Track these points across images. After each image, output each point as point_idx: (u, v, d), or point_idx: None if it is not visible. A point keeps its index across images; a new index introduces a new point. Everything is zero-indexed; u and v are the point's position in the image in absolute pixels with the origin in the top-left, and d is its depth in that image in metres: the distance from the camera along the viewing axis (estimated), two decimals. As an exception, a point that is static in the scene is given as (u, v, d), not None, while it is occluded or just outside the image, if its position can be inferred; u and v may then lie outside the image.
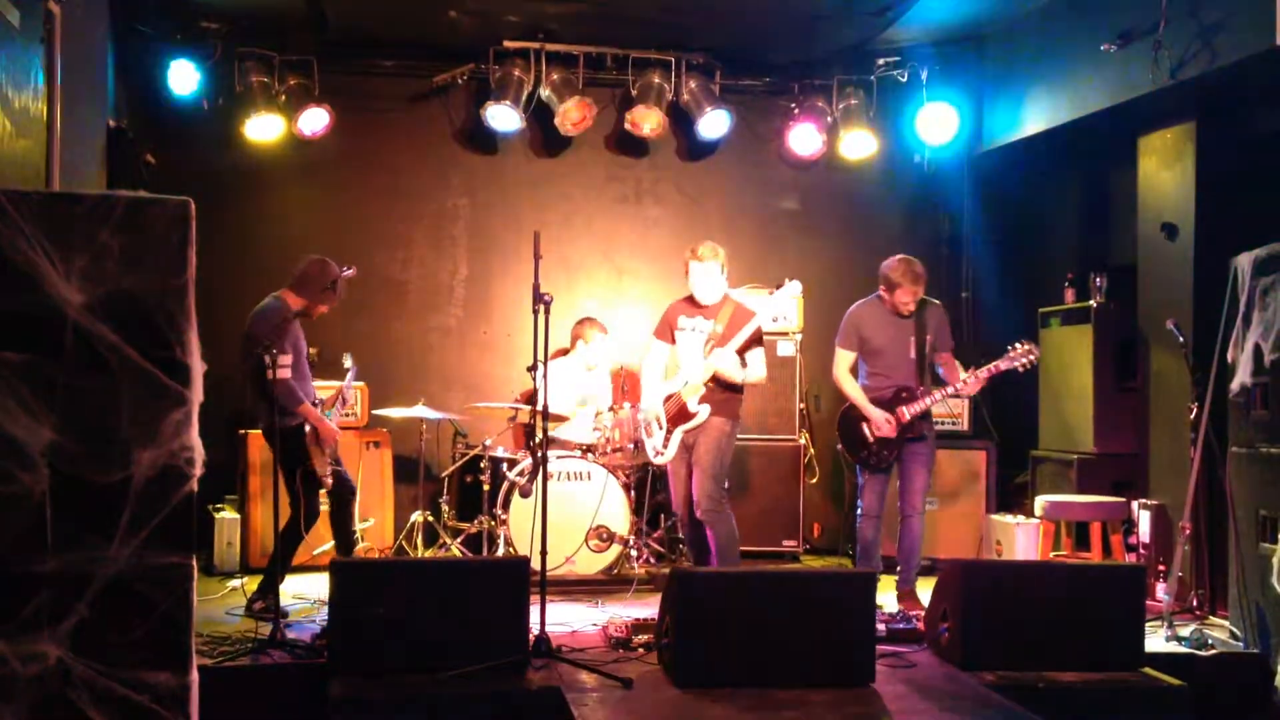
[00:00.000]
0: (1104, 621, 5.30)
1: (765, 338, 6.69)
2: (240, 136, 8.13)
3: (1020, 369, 6.40)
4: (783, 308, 6.77)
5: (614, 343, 8.11)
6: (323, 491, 6.31)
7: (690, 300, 6.61)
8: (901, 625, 5.74)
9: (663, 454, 6.53)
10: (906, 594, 6.54)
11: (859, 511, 6.64)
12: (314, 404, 6.27)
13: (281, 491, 6.01)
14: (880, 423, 6.46)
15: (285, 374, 6.03)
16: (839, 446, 6.77)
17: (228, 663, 5.08)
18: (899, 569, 6.63)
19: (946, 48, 8.50)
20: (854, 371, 6.68)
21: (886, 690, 4.86)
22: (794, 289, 6.84)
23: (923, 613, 6.00)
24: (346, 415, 7.40)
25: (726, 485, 6.54)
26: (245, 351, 6.02)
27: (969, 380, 6.41)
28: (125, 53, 7.87)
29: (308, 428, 6.16)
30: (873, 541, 6.60)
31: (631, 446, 7.26)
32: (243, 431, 7.54)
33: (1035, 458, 8.24)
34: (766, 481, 8.24)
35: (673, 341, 6.65)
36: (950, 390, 6.51)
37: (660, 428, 6.53)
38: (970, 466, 8.14)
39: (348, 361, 6.96)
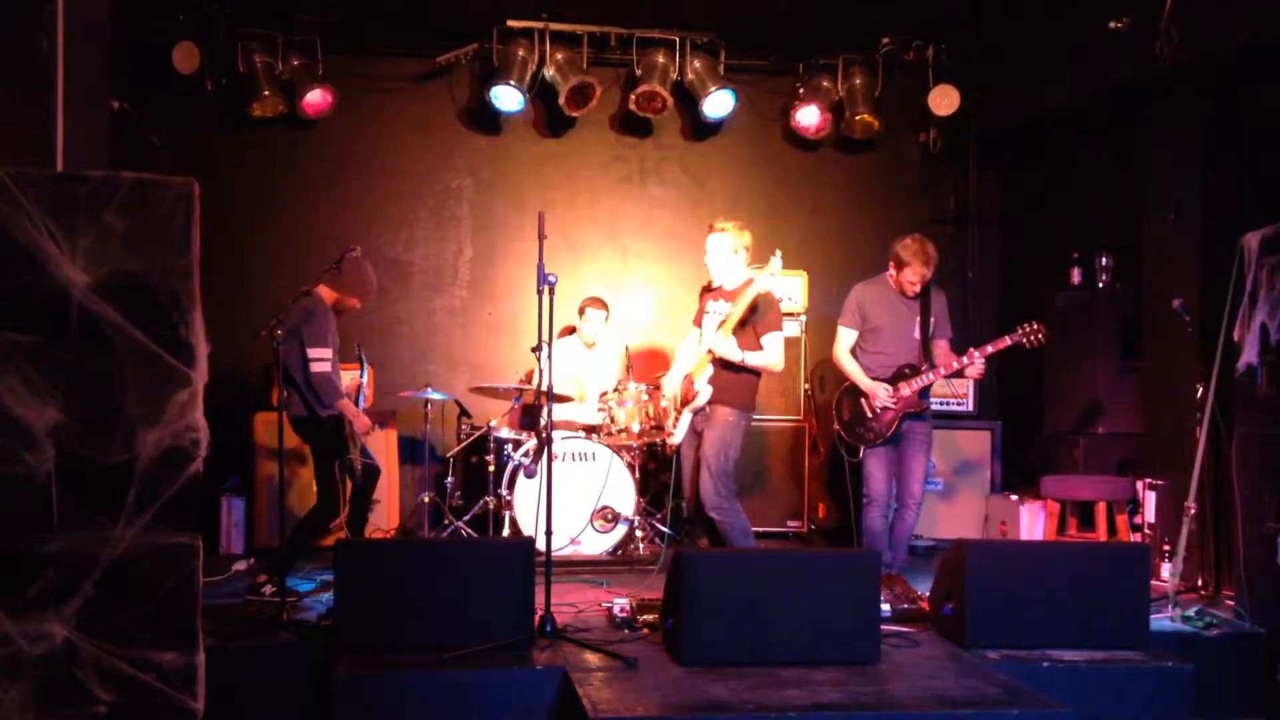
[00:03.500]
0: (1109, 601, 5.29)
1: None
2: (244, 117, 8.13)
3: (1026, 345, 6.34)
4: (770, 284, 6.37)
5: (609, 319, 8.11)
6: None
7: (714, 285, 6.53)
8: (905, 605, 5.75)
9: (672, 434, 6.50)
10: (894, 579, 6.43)
11: (865, 498, 6.51)
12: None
13: (290, 474, 6.03)
14: (880, 394, 6.40)
15: (325, 367, 6.10)
16: (835, 427, 6.67)
17: (234, 643, 5.09)
18: (887, 554, 6.46)
19: (952, 26, 8.46)
20: (854, 352, 6.62)
21: (890, 669, 4.86)
22: (775, 265, 6.19)
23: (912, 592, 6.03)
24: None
25: (733, 480, 6.30)
26: (283, 342, 6.00)
27: (975, 358, 6.33)
28: (128, 33, 7.84)
29: (345, 420, 6.27)
30: (881, 532, 6.47)
31: (636, 427, 7.25)
32: (249, 413, 7.56)
33: (1040, 438, 8.23)
34: (771, 462, 8.25)
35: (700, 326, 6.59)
36: (955, 367, 6.42)
37: (675, 410, 6.50)
38: (975, 446, 8.14)
39: (361, 357, 6.99)
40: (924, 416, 6.52)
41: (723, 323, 6.27)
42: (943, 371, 6.39)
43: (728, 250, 6.38)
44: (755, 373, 6.34)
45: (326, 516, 6.28)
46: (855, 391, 6.54)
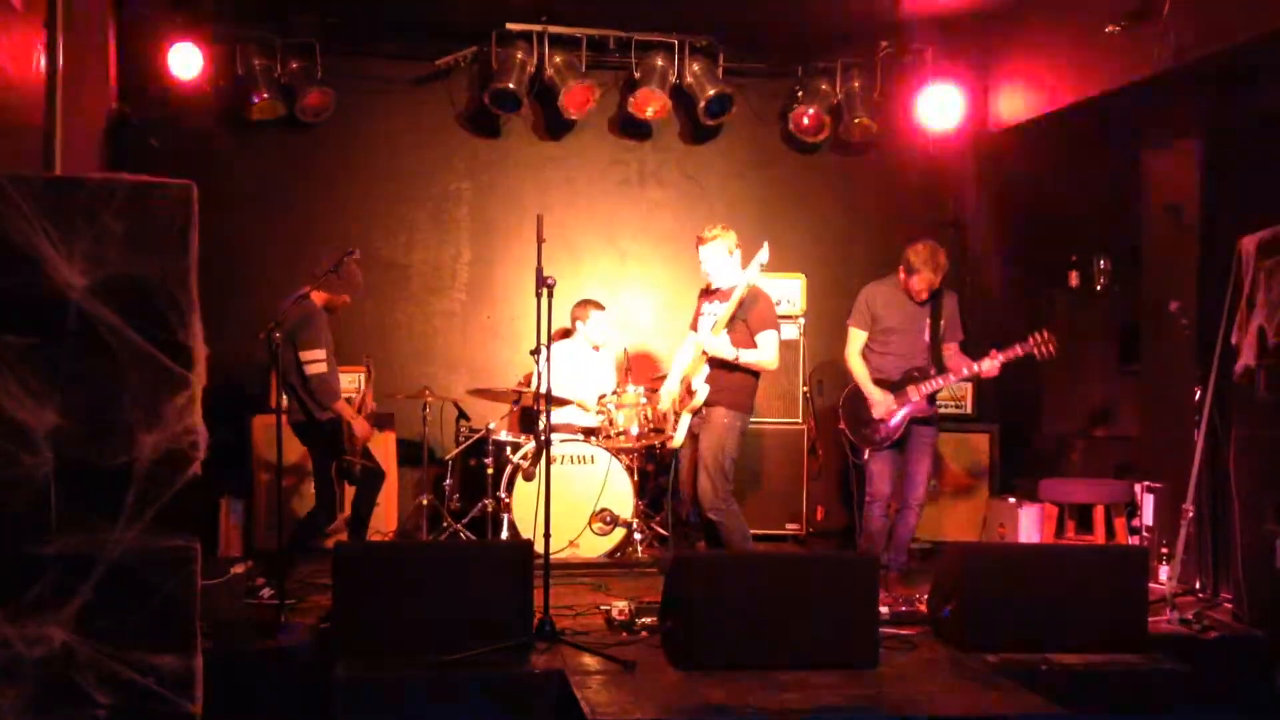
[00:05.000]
0: (1107, 604, 5.30)
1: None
2: (243, 120, 8.12)
3: (1038, 355, 6.32)
4: (756, 277, 6.35)
5: (613, 318, 8.14)
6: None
7: (713, 288, 6.55)
8: (904, 608, 5.75)
9: (672, 437, 6.50)
10: (892, 581, 6.44)
11: (867, 497, 6.49)
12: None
13: (289, 477, 6.02)
14: (878, 404, 6.40)
15: (322, 368, 6.10)
16: (840, 425, 6.66)
17: (233, 646, 5.08)
18: (886, 555, 6.48)
19: (950, 29, 8.46)
20: (865, 352, 6.60)
21: (889, 672, 4.87)
22: (762, 256, 6.16)
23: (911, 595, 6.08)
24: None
25: (730, 482, 6.34)
26: (280, 345, 5.95)
27: (988, 364, 6.31)
28: (127, 35, 7.85)
29: (344, 422, 6.25)
30: (880, 531, 6.46)
31: (635, 430, 7.25)
32: (248, 416, 7.56)
33: (1039, 440, 8.23)
34: (770, 465, 8.24)
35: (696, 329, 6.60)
36: (966, 373, 6.40)
37: (675, 413, 6.51)
38: (974, 449, 8.14)
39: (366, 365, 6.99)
40: (930, 420, 6.51)
41: (716, 323, 6.28)
42: (953, 377, 6.39)
43: (724, 253, 6.44)
44: (752, 373, 6.35)
45: (324, 519, 6.28)
46: (861, 392, 6.52)
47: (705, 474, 6.26)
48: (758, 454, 8.17)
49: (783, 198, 9.05)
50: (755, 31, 8.60)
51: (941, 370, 6.41)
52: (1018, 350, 6.31)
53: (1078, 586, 5.32)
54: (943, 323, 6.49)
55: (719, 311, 6.36)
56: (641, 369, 8.28)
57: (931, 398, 6.45)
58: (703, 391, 6.29)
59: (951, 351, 6.51)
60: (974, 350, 6.55)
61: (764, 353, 6.30)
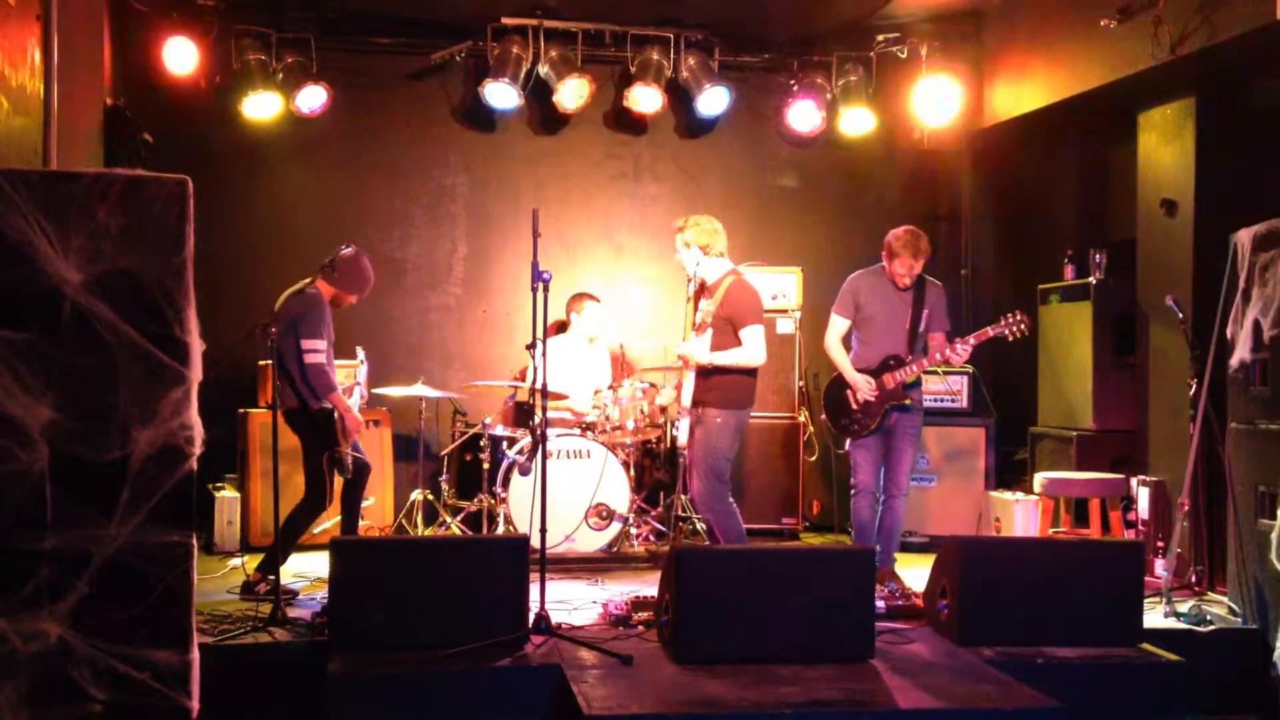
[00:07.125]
0: (1102, 598, 5.31)
1: (764, 315, 6.52)
2: (238, 114, 8.10)
3: (1009, 336, 6.32)
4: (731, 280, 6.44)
5: (609, 312, 8.16)
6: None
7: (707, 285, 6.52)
8: (900, 602, 5.76)
9: (677, 437, 6.48)
10: (886, 574, 6.45)
11: (853, 488, 6.52)
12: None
13: (284, 472, 6.00)
14: (862, 386, 6.40)
15: (319, 359, 6.09)
16: (822, 417, 6.68)
17: (229, 641, 5.09)
18: (877, 548, 6.43)
19: (946, 24, 8.47)
20: (846, 341, 6.62)
21: (885, 666, 4.87)
22: (743, 267, 6.39)
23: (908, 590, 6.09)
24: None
25: (725, 482, 6.28)
26: (279, 335, 5.95)
27: (957, 349, 6.32)
28: (122, 30, 7.84)
29: (337, 414, 6.21)
30: (869, 520, 6.49)
31: (630, 425, 7.25)
32: (243, 410, 7.55)
33: (1034, 434, 8.25)
34: (765, 459, 8.25)
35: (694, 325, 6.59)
36: (939, 358, 6.39)
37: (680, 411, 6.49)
38: (969, 443, 8.14)
39: (360, 355, 6.91)
40: (913, 410, 6.51)
41: (704, 319, 6.19)
42: (926, 364, 6.40)
43: (681, 246, 6.42)
44: (742, 370, 6.26)
45: (315, 510, 6.25)
46: (842, 384, 6.54)
47: (696, 473, 6.24)
48: (753, 448, 8.18)
49: (778, 191, 9.06)
50: (751, 26, 8.60)
51: (918, 359, 6.41)
52: (988, 332, 6.33)
53: (1073, 580, 5.32)
54: (927, 312, 6.50)
55: (706, 309, 6.32)
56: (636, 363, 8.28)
57: (909, 385, 6.44)
58: (687, 395, 6.26)
59: (938, 342, 6.52)
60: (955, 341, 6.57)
61: (748, 350, 6.21)
